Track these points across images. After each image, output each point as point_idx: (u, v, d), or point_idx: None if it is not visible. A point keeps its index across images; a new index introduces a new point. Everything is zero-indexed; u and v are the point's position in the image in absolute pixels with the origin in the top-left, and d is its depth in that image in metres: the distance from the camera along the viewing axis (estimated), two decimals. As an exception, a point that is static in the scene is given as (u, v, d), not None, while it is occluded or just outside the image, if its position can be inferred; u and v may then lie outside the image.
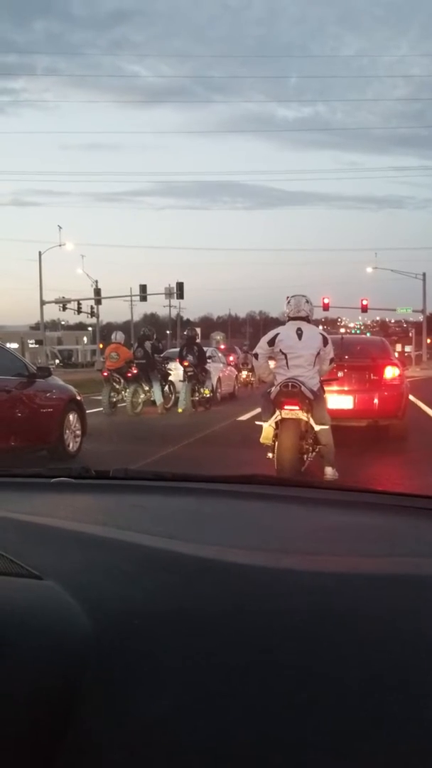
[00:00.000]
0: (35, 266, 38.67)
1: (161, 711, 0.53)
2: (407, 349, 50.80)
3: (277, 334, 5.64)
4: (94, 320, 51.13)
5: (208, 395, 13.65)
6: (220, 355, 18.05)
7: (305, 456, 5.51)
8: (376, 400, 8.06)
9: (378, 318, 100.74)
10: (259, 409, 6.19)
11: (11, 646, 0.52)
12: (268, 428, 5.42)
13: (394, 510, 1.23)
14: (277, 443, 5.35)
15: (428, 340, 47.07)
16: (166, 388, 13.56)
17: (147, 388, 12.97)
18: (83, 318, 51.50)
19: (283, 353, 5.54)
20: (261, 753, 0.50)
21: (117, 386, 13.09)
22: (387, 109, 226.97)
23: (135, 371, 12.78)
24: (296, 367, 5.48)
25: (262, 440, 5.54)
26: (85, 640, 0.58)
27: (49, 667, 0.53)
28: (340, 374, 7.46)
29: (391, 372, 8.29)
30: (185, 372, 13.07)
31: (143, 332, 13.91)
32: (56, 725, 0.51)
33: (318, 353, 5.55)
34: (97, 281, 45.47)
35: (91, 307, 47.03)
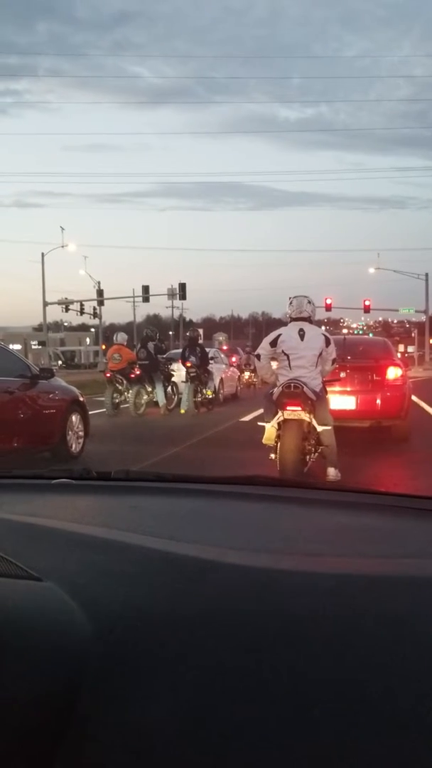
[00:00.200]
0: (38, 267, 38.89)
1: (161, 712, 0.53)
2: (410, 349, 50.70)
3: (279, 335, 5.64)
4: (96, 321, 51.21)
5: (210, 396, 13.64)
6: (222, 356, 18.05)
7: (308, 457, 5.51)
8: (378, 401, 8.05)
9: (380, 318, 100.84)
10: (261, 410, 6.19)
11: (11, 648, 0.52)
12: (270, 429, 5.42)
13: (396, 511, 1.23)
14: (279, 444, 5.35)
15: (431, 341, 46.96)
16: (169, 389, 13.56)
17: (150, 389, 12.97)
18: (86, 319, 51.65)
19: (285, 354, 5.54)
20: (262, 754, 0.50)
21: (120, 387, 13.09)
22: (390, 109, 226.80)
23: (138, 372, 12.78)
24: (298, 367, 5.48)
25: (264, 441, 5.54)
26: (85, 642, 0.58)
27: (49, 668, 0.53)
28: (342, 375, 7.46)
29: (393, 372, 8.28)
30: (188, 373, 13.06)
31: (146, 333, 13.91)
32: (56, 727, 0.51)
33: (320, 354, 5.55)
34: (99, 282, 45.52)
35: (94, 308, 47.05)
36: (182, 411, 12.83)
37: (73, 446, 7.52)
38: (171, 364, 13.79)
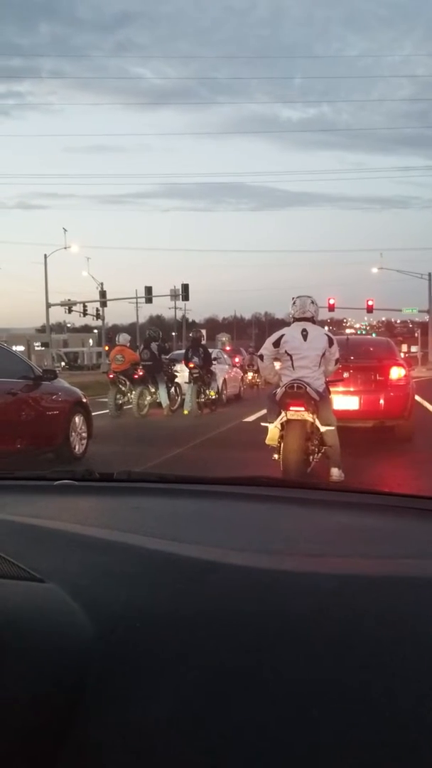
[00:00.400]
0: (41, 269, 38.82)
1: (163, 713, 0.53)
2: (413, 349, 50.69)
3: (282, 335, 5.64)
4: (99, 322, 51.26)
5: (213, 397, 13.64)
6: (225, 356, 18.03)
7: (311, 457, 5.50)
8: (381, 401, 8.04)
9: (383, 318, 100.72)
10: (264, 411, 6.19)
11: (13, 649, 0.52)
12: (273, 429, 5.42)
13: (399, 511, 1.22)
14: (282, 444, 5.34)
15: (434, 341, 46.90)
16: (172, 389, 13.56)
17: (153, 390, 12.98)
18: (89, 320, 51.51)
19: (288, 354, 5.53)
20: (263, 755, 0.50)
21: (123, 388, 13.10)
22: (392, 109, 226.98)
23: (141, 373, 12.79)
24: (301, 368, 5.47)
25: (267, 441, 5.54)
26: (86, 643, 0.58)
27: (50, 669, 0.53)
28: (345, 375, 7.45)
29: (396, 372, 8.27)
30: (191, 374, 13.06)
31: (149, 334, 13.92)
32: (58, 727, 0.51)
33: (323, 354, 5.54)
34: (102, 283, 45.57)
35: (97, 310, 47.11)
36: (185, 412, 12.83)
37: (76, 447, 7.52)
38: (174, 364, 13.79)
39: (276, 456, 5.49)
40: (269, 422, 5.51)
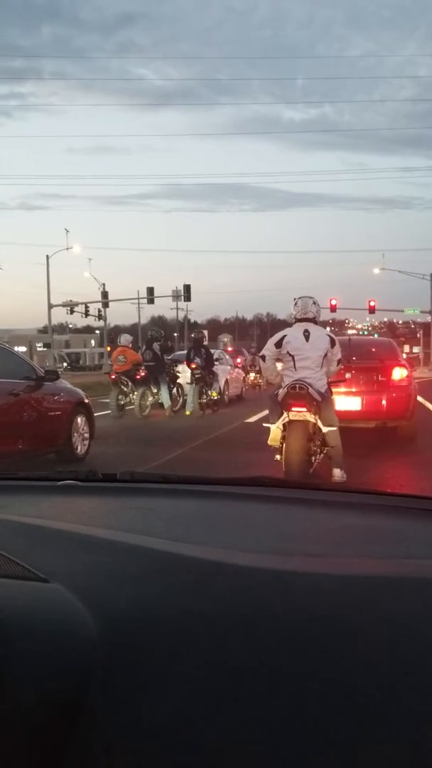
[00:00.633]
0: (43, 270, 38.85)
1: (168, 714, 0.53)
2: (415, 349, 50.69)
3: (284, 336, 5.64)
4: (101, 323, 51.34)
5: (215, 397, 13.64)
6: (227, 357, 18.03)
7: (313, 458, 5.50)
8: (384, 402, 8.03)
9: (386, 319, 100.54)
10: (266, 411, 6.19)
11: (18, 649, 0.52)
12: (275, 430, 5.42)
13: (402, 512, 1.22)
14: (284, 445, 5.34)
15: (436, 341, 46.89)
16: (174, 390, 13.56)
17: (155, 390, 12.98)
18: (91, 321, 51.57)
19: (290, 355, 5.53)
20: (267, 754, 0.50)
21: (125, 389, 13.10)
22: (394, 109, 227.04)
23: (143, 374, 12.79)
24: (304, 368, 5.48)
25: (269, 442, 5.54)
26: (91, 643, 0.58)
27: (55, 669, 0.54)
28: (347, 375, 7.45)
29: (399, 373, 8.27)
30: (193, 374, 13.06)
31: (151, 334, 13.92)
32: (63, 728, 0.51)
33: (325, 355, 5.54)
34: (104, 284, 45.67)
35: (99, 310, 47.20)
36: (187, 413, 12.83)
37: (79, 448, 7.53)
38: (176, 365, 13.79)
39: (278, 457, 5.49)
40: (271, 423, 5.51)
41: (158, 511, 1.22)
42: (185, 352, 15.01)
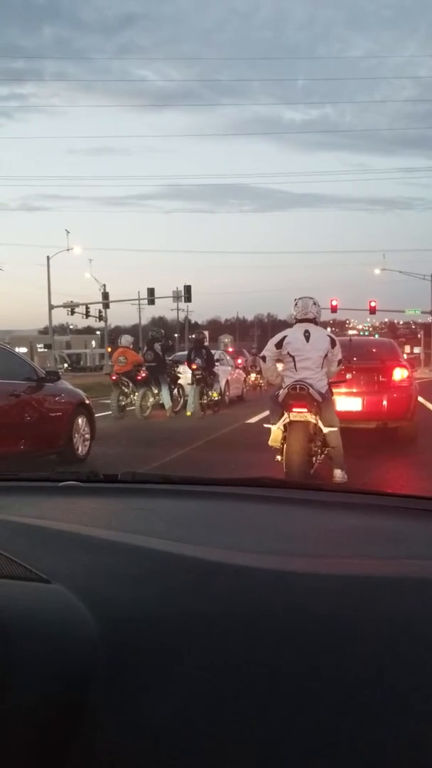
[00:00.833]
0: (43, 270, 38.86)
1: (169, 714, 0.53)
2: (416, 350, 50.66)
3: (284, 337, 5.64)
4: (102, 324, 51.39)
5: (216, 398, 13.64)
6: (228, 358, 18.02)
7: (314, 458, 5.50)
8: (384, 402, 8.03)
9: (386, 320, 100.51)
10: (267, 412, 6.19)
11: (19, 649, 0.52)
12: (276, 431, 5.42)
13: (403, 512, 1.23)
14: (285, 446, 5.34)
15: (437, 342, 46.86)
16: (175, 391, 13.57)
17: (156, 391, 12.99)
18: (91, 322, 51.65)
19: (291, 356, 5.54)
20: (268, 754, 0.50)
21: (126, 390, 13.10)
22: (395, 110, 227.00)
23: (144, 375, 12.80)
24: (304, 369, 5.48)
25: (270, 443, 5.54)
26: (92, 643, 0.58)
27: (57, 669, 0.54)
28: (348, 376, 7.45)
29: (399, 373, 8.27)
30: (193, 375, 13.06)
31: (151, 335, 13.93)
32: (64, 728, 0.52)
33: (326, 355, 5.54)
34: (105, 285, 45.75)
35: (99, 311, 47.26)
36: (188, 413, 12.83)
37: (80, 449, 7.53)
38: (177, 366, 13.79)
39: (279, 457, 5.49)
40: (272, 423, 5.51)
41: (159, 512, 1.22)
42: (186, 352, 15.01)
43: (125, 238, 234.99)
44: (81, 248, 46.35)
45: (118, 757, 0.51)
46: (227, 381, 15.80)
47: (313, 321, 5.73)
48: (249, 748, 0.50)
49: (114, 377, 13.26)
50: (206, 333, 15.67)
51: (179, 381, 13.73)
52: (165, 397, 12.94)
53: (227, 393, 15.68)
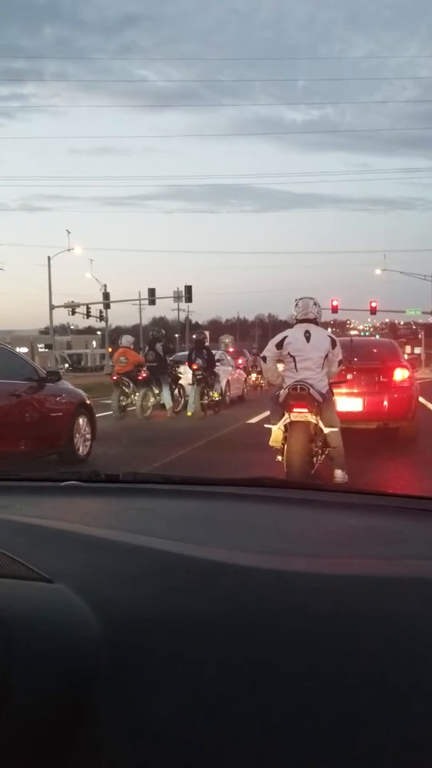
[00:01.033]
0: (44, 271, 38.82)
1: (171, 714, 0.53)
2: (417, 350, 50.55)
3: (285, 337, 5.64)
4: (103, 324, 51.34)
5: (217, 398, 13.64)
6: (229, 358, 18.02)
7: (314, 458, 5.51)
8: (385, 402, 8.03)
9: (387, 320, 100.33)
10: (267, 412, 6.19)
11: (21, 649, 0.52)
12: (277, 431, 5.42)
13: (404, 512, 1.23)
14: (286, 446, 5.35)
15: (438, 342, 46.82)
16: (176, 391, 13.57)
17: (157, 391, 12.99)
18: (92, 322, 51.63)
19: (291, 356, 5.54)
20: (269, 753, 0.50)
21: (126, 390, 13.10)
22: (396, 110, 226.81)
23: (145, 375, 12.80)
24: (305, 369, 5.48)
25: (271, 443, 5.54)
26: (94, 643, 0.58)
27: (58, 669, 0.54)
28: (349, 376, 7.45)
29: (400, 374, 8.27)
30: (194, 375, 13.06)
31: (152, 335, 13.92)
32: (66, 728, 0.52)
33: (326, 355, 5.55)
34: (105, 285, 45.69)
35: (100, 311, 47.22)
36: (189, 413, 12.82)
37: (80, 449, 7.53)
38: (178, 366, 13.79)
39: (279, 458, 5.49)
40: (272, 424, 5.51)
41: (160, 512, 1.22)
42: (186, 353, 15.01)
43: (126, 238, 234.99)
44: (82, 248, 46.35)
45: (119, 757, 0.51)
46: (228, 381, 15.80)
47: (314, 321, 5.73)
48: (249, 748, 0.50)
49: (115, 377, 13.26)
50: (207, 333, 15.68)
51: (180, 381, 13.73)
52: (166, 398, 12.94)
53: (228, 393, 15.68)
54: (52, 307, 39.50)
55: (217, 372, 13.95)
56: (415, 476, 6.53)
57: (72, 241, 44.08)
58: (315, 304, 5.82)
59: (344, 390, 7.55)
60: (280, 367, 5.78)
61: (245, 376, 19.46)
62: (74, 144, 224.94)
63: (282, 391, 5.47)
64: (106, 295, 44.48)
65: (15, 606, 0.57)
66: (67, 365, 52.78)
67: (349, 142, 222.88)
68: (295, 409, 5.27)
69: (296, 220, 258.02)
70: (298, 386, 5.31)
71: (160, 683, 0.55)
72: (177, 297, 42.61)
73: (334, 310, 40.84)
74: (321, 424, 5.38)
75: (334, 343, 5.66)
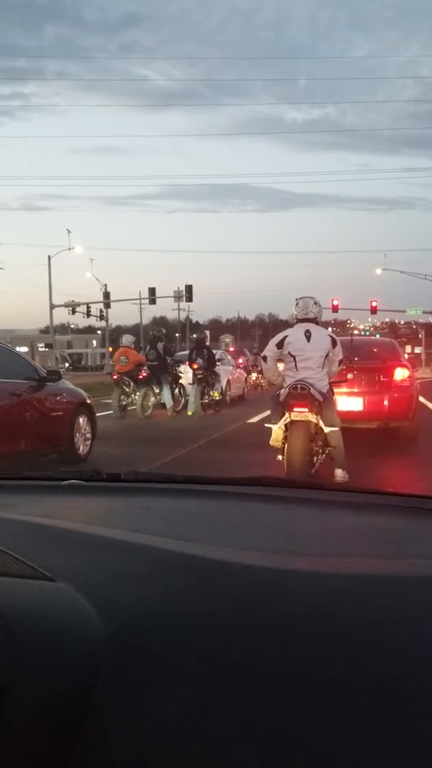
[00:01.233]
0: (45, 270, 38.78)
1: (174, 712, 0.53)
2: (417, 350, 50.56)
3: (285, 337, 5.64)
4: (103, 323, 51.30)
5: (217, 398, 13.64)
6: (229, 357, 18.01)
7: (315, 458, 5.51)
8: (386, 402, 8.03)
9: (387, 319, 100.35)
10: (268, 412, 6.19)
11: (24, 647, 0.53)
12: (277, 430, 5.42)
13: (404, 511, 1.23)
14: (286, 445, 5.35)
15: (438, 341, 46.79)
16: (176, 390, 13.56)
17: (157, 391, 12.98)
18: (92, 321, 51.59)
19: (291, 355, 5.54)
20: (272, 752, 0.50)
21: (127, 389, 13.10)
22: (397, 110, 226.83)
23: (145, 374, 12.79)
24: (305, 369, 5.48)
25: (271, 443, 5.54)
26: (97, 642, 0.58)
27: (61, 667, 0.54)
28: (349, 376, 7.45)
29: (400, 373, 8.27)
30: (195, 375, 13.06)
31: (153, 334, 13.91)
32: (69, 727, 0.52)
33: (327, 355, 5.55)
34: (106, 284, 45.66)
35: (101, 311, 47.22)
36: (189, 413, 12.82)
37: (81, 448, 7.53)
38: (178, 366, 13.79)
39: (280, 457, 5.50)
40: (273, 423, 5.51)
41: (162, 511, 1.22)
42: (187, 352, 15.01)
43: (127, 238, 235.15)
44: (82, 248, 46.27)
45: (121, 755, 0.52)
46: (228, 381, 15.79)
47: (314, 321, 5.73)
48: (251, 748, 0.51)
49: (115, 377, 13.25)
50: (207, 333, 15.68)
51: (180, 381, 13.72)
52: (166, 397, 12.93)
53: (228, 393, 15.67)
54: (52, 307, 39.49)
55: (217, 371, 13.94)
56: (415, 476, 6.53)
57: (72, 241, 44.18)
58: (315, 303, 5.82)
59: (345, 389, 7.55)
60: (281, 366, 5.79)
61: (246, 375, 19.45)
62: (75, 143, 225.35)
63: (282, 391, 5.47)
64: (106, 295, 44.48)
65: (17, 605, 0.57)
66: (67, 364, 52.76)
67: (350, 142, 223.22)
68: (295, 409, 5.27)
69: (297, 220, 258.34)
70: (299, 386, 5.31)
71: (162, 681, 0.56)
72: (177, 296, 42.63)
73: (335, 309, 40.82)
74: (321, 424, 5.38)
75: (334, 343, 5.66)
